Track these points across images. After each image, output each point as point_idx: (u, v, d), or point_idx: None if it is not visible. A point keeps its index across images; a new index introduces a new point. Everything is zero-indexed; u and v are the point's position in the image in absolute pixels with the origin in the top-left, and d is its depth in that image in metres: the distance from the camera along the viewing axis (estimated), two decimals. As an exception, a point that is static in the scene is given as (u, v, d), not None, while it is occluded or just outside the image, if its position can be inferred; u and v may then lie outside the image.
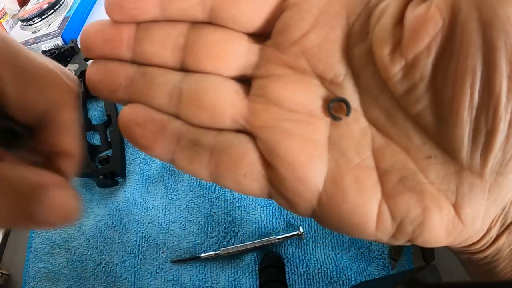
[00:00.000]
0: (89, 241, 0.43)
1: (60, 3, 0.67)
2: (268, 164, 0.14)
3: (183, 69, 0.15)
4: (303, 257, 0.37)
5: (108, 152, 0.45)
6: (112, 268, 0.41)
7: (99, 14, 0.70)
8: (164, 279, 0.39)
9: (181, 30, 0.15)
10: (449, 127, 0.13)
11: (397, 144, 0.14)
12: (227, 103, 0.15)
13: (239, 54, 0.15)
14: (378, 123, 0.14)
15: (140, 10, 0.14)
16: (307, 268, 0.36)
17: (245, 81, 0.15)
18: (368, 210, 0.14)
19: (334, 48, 0.14)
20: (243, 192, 0.15)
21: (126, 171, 0.45)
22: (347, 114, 0.14)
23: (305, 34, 0.14)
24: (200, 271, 0.38)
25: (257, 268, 0.37)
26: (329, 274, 0.35)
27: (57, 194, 0.13)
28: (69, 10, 0.66)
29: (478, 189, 0.13)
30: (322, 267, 0.36)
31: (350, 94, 0.14)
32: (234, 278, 0.37)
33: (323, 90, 0.15)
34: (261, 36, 0.15)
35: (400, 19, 0.13)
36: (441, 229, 0.14)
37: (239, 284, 0.36)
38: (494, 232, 0.15)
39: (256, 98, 0.15)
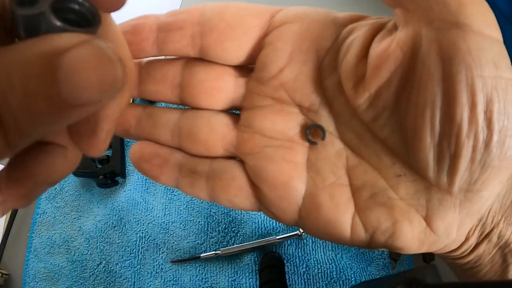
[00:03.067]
0: (89, 241, 0.43)
1: (60, 3, 0.67)
2: (255, 185, 0.17)
3: (182, 103, 0.18)
4: (303, 257, 0.37)
5: (108, 152, 0.45)
6: (112, 268, 0.41)
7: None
8: (164, 279, 0.39)
9: (176, 70, 0.17)
10: (414, 151, 0.14)
11: (369, 163, 0.15)
12: (218, 135, 0.17)
13: (228, 89, 0.17)
14: (352, 144, 0.16)
15: (140, 50, 0.16)
16: (307, 268, 0.36)
17: (236, 110, 0.18)
18: (342, 222, 0.15)
19: (308, 80, 0.16)
20: (237, 208, 0.18)
21: (126, 171, 0.45)
22: (323, 138, 0.16)
23: (281, 70, 0.16)
24: (200, 271, 0.38)
25: (257, 268, 0.37)
26: (329, 274, 0.35)
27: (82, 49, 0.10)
28: (69, 10, 0.66)
29: (448, 204, 0.14)
30: (322, 267, 0.36)
31: (326, 119, 0.16)
32: (234, 278, 0.37)
33: (302, 117, 0.16)
34: (247, 66, 0.17)
35: (364, 55, 0.14)
36: (412, 239, 0.15)
37: (239, 284, 0.36)
38: (473, 241, 0.16)
39: (243, 128, 0.17)
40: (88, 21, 0.11)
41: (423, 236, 0.15)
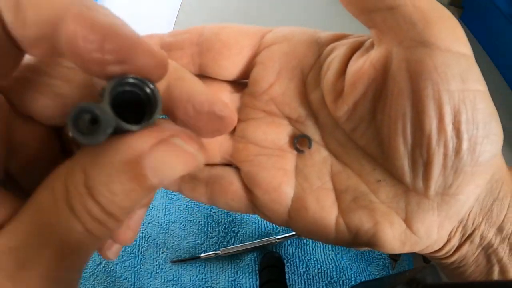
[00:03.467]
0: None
1: (60, 3, 0.67)
2: (249, 190, 0.18)
3: None
4: (303, 257, 0.37)
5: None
6: (112, 268, 0.41)
7: (99, 14, 0.70)
8: (164, 279, 0.39)
9: None
10: (391, 159, 0.15)
11: (351, 169, 0.17)
12: (217, 145, 0.19)
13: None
14: (336, 152, 0.17)
15: None
16: (307, 268, 0.36)
17: None
18: (327, 223, 0.17)
19: (295, 95, 0.17)
20: (233, 211, 0.19)
21: (126, 171, 0.45)
22: (309, 147, 0.17)
23: (271, 86, 0.17)
24: (200, 271, 0.38)
25: (257, 268, 0.37)
26: (329, 274, 0.35)
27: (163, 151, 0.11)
28: (69, 10, 0.66)
29: (426, 206, 0.15)
30: (322, 267, 0.36)
31: (312, 130, 0.18)
32: (234, 278, 0.37)
33: (291, 128, 0.18)
34: (241, 81, 0.19)
35: (342, 72, 0.16)
36: (393, 239, 0.16)
37: (239, 284, 0.36)
38: (455, 242, 0.17)
39: (238, 138, 0.18)
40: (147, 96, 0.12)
41: (404, 236, 0.16)
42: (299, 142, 0.18)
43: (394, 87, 0.14)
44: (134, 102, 0.11)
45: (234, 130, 0.19)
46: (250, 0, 0.68)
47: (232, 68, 0.18)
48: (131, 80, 0.11)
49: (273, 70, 0.17)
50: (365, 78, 0.15)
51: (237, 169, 0.19)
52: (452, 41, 0.13)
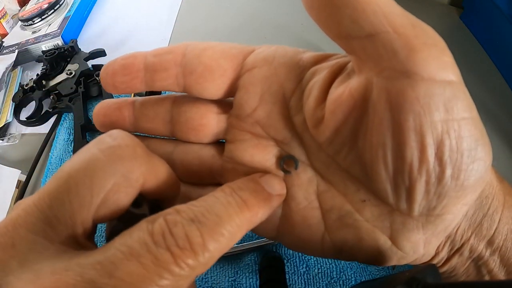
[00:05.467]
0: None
1: (60, 3, 0.67)
2: None
3: (174, 137, 0.20)
4: (303, 257, 0.37)
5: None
6: (112, 268, 0.41)
7: (99, 14, 0.70)
8: (164, 279, 0.39)
9: (166, 108, 0.20)
10: (373, 182, 0.15)
11: (336, 189, 0.17)
12: (207, 167, 0.20)
13: (212, 125, 0.19)
14: (321, 172, 0.17)
15: (131, 87, 0.19)
16: (307, 268, 0.36)
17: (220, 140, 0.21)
18: (313, 240, 0.17)
19: (279, 118, 0.18)
20: None
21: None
22: (296, 168, 0.18)
23: (254, 110, 0.18)
24: (200, 271, 0.38)
25: (257, 268, 0.37)
26: (329, 274, 0.35)
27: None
28: (69, 10, 0.66)
29: (410, 226, 0.15)
30: (322, 267, 0.36)
31: (298, 150, 0.18)
32: (234, 278, 0.37)
33: (277, 149, 0.18)
34: (228, 99, 0.20)
35: (323, 98, 0.16)
36: (379, 255, 0.16)
37: (239, 284, 0.36)
38: (443, 255, 0.17)
39: (227, 159, 0.19)
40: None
41: (390, 252, 0.16)
42: (286, 163, 0.18)
43: (374, 116, 0.14)
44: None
45: (223, 149, 0.20)
46: (250, 2, 0.67)
47: (215, 89, 0.18)
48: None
49: (255, 95, 0.18)
50: (345, 107, 0.14)
51: None
52: (437, 69, 0.12)
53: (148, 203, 0.17)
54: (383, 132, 0.13)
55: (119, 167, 0.14)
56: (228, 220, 0.14)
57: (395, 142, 0.13)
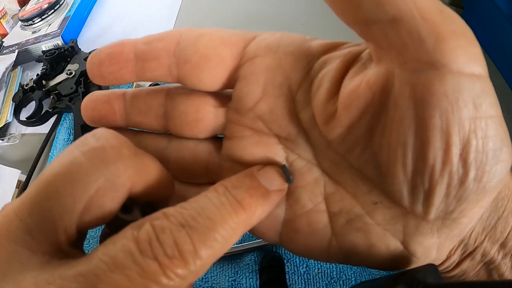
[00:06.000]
0: (89, 241, 0.43)
1: (60, 3, 0.67)
2: None
3: (168, 132, 0.19)
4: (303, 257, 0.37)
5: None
6: (112, 268, 0.41)
7: (99, 14, 0.70)
8: (164, 279, 0.39)
9: (159, 101, 0.18)
10: (388, 183, 0.14)
11: (346, 190, 0.16)
12: (202, 165, 0.18)
13: (209, 119, 0.18)
14: (329, 172, 0.16)
15: (119, 78, 0.17)
16: (307, 268, 0.36)
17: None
18: (319, 246, 0.16)
19: (283, 113, 0.16)
20: None
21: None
22: (288, 181, 0.16)
23: (256, 104, 0.16)
24: (200, 271, 0.38)
25: (257, 268, 0.37)
26: (329, 274, 0.35)
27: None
28: (69, 10, 0.66)
29: (425, 229, 0.14)
30: (322, 267, 0.36)
31: (304, 148, 0.16)
32: (234, 278, 0.37)
33: (281, 147, 0.17)
34: (226, 91, 0.18)
35: (335, 91, 0.14)
36: (390, 261, 0.15)
37: (239, 284, 0.36)
38: (455, 259, 0.16)
39: (225, 157, 0.18)
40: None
41: (400, 257, 0.15)
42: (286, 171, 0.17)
43: (395, 113, 0.12)
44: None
45: (221, 145, 0.18)
46: (250, 1, 0.67)
47: (212, 81, 0.17)
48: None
49: (258, 87, 0.16)
50: (361, 101, 0.13)
51: None
52: (466, 61, 0.11)
53: (140, 207, 0.16)
54: (404, 130, 0.12)
55: (103, 171, 0.13)
56: (222, 223, 0.13)
57: (417, 141, 0.12)
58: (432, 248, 0.15)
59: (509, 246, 0.16)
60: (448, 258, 0.16)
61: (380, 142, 0.13)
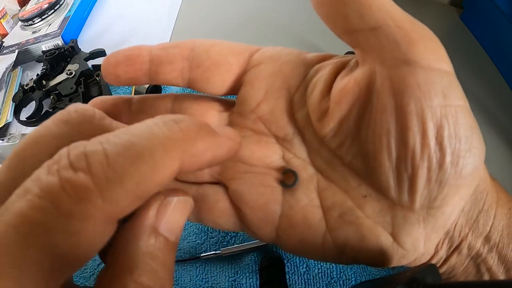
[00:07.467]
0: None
1: (60, 3, 0.67)
2: (237, 208, 0.18)
3: None
4: (303, 257, 0.37)
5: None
6: (112, 268, 0.41)
7: (99, 14, 0.70)
8: (164, 279, 0.39)
9: (167, 105, 0.19)
10: (376, 174, 0.15)
11: (337, 186, 0.17)
12: None
13: (213, 122, 0.19)
14: (322, 169, 0.17)
15: (134, 79, 0.18)
16: (307, 268, 0.36)
17: None
18: (314, 240, 0.17)
19: (281, 114, 0.18)
20: (221, 229, 0.20)
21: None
22: (294, 183, 0.17)
23: (258, 105, 0.18)
24: (200, 271, 0.38)
25: (257, 268, 0.37)
26: (329, 274, 0.35)
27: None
28: (69, 10, 0.66)
29: (412, 220, 0.16)
30: (322, 267, 0.36)
31: (299, 147, 0.18)
32: (234, 278, 0.37)
33: (278, 146, 0.18)
34: (230, 98, 0.20)
35: (327, 91, 0.16)
36: (381, 254, 0.16)
37: (239, 284, 0.36)
38: (442, 254, 0.17)
39: None
40: None
41: (391, 250, 0.16)
42: (286, 176, 0.18)
43: (378, 104, 0.14)
44: None
45: None
46: (250, 1, 0.68)
47: (220, 84, 0.18)
48: None
49: (260, 89, 0.18)
50: (350, 96, 0.15)
51: (225, 187, 0.19)
52: (434, 59, 0.14)
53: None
54: (386, 119, 0.14)
55: None
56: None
57: (398, 128, 0.14)
58: (419, 240, 0.16)
59: (493, 239, 0.17)
60: (436, 253, 0.17)
61: (367, 133, 0.15)
